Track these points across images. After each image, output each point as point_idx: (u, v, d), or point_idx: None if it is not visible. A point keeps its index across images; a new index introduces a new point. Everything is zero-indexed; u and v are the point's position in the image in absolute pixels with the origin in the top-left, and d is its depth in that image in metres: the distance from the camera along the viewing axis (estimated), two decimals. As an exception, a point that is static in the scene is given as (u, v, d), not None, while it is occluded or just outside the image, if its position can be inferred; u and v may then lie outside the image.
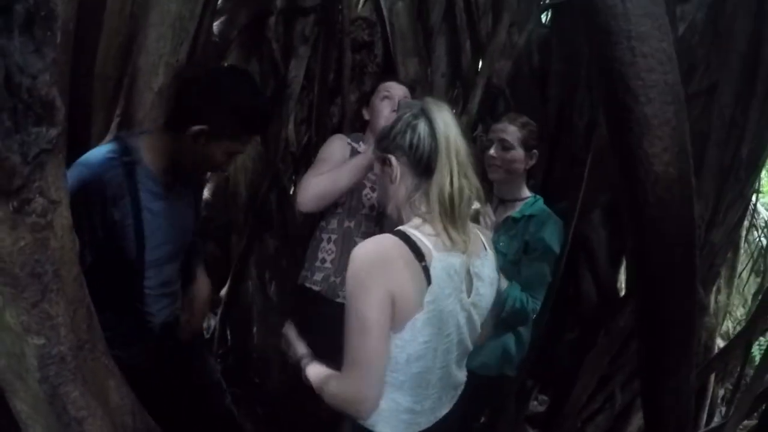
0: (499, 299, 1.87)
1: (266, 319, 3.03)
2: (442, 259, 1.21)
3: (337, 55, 2.80)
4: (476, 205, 1.86)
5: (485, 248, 1.37)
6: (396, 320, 1.18)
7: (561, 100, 2.76)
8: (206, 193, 3.42)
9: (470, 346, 1.37)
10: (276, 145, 2.82)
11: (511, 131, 1.99)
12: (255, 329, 3.08)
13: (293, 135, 2.89)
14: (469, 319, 1.31)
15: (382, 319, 1.15)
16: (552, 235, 1.97)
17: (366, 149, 1.99)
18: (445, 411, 1.35)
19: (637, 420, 2.17)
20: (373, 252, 1.18)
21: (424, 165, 1.23)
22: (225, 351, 3.20)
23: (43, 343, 1.05)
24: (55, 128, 0.96)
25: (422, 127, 1.24)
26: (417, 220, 1.25)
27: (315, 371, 1.34)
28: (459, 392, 1.41)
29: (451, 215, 1.22)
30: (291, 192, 3.00)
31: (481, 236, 1.38)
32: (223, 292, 3.16)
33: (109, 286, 1.53)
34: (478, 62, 2.89)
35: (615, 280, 2.59)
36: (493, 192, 2.12)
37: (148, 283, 1.61)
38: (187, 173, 1.61)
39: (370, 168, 1.89)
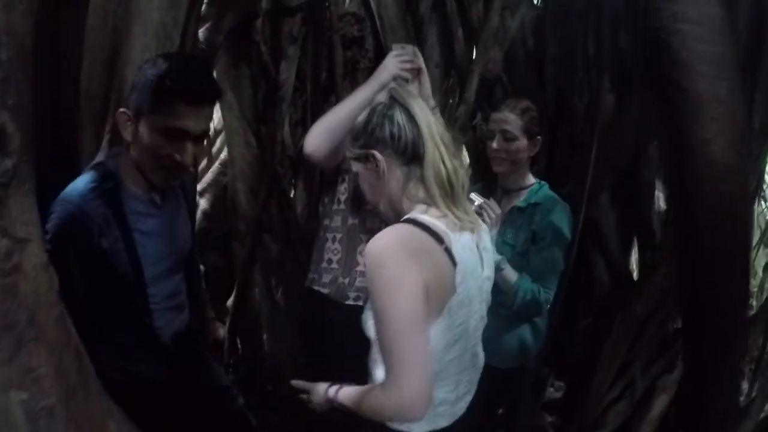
0: (510, 292, 1.85)
1: (275, 325, 2.99)
2: (458, 239, 1.20)
3: (328, 53, 2.73)
4: (477, 200, 1.83)
5: (480, 222, 1.39)
6: (432, 308, 1.14)
7: (559, 83, 2.70)
8: (205, 204, 3.39)
9: (486, 319, 1.37)
10: (272, 149, 2.77)
11: (512, 120, 1.93)
12: (264, 336, 3.05)
13: (289, 137, 2.84)
14: (486, 294, 1.33)
15: (420, 311, 1.11)
16: (561, 221, 1.92)
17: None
18: (471, 396, 1.35)
19: (659, 405, 2.13)
20: (396, 242, 1.14)
21: (410, 153, 1.22)
22: (236, 360, 3.17)
23: (27, 398, 0.95)
24: (9, 159, 0.86)
25: (398, 115, 1.23)
26: (420, 206, 1.22)
27: (347, 394, 1.28)
28: (480, 373, 1.41)
29: (452, 195, 1.22)
30: (291, 195, 2.95)
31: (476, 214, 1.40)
32: (230, 302, 3.12)
33: (115, 304, 1.53)
34: (472, 49, 2.83)
35: (627, 263, 2.54)
36: (497, 182, 2.06)
37: (153, 299, 1.58)
38: (159, 182, 1.51)
39: (369, 102, 1.81)
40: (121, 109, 1.44)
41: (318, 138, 1.83)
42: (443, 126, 1.27)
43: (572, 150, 2.58)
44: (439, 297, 1.14)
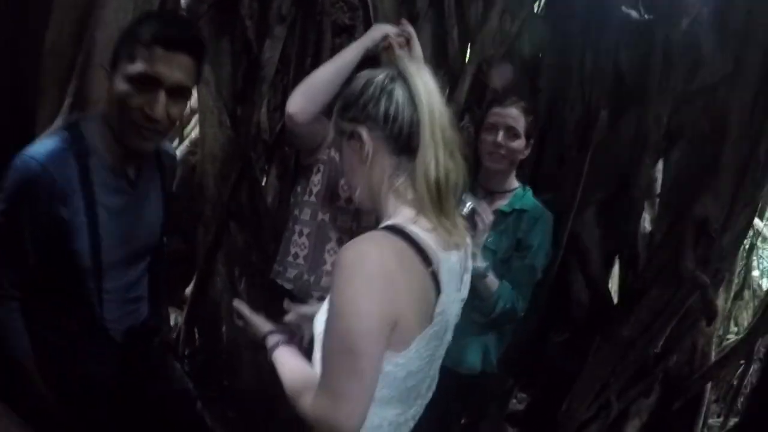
0: (491, 300, 1.78)
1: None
2: (446, 260, 1.02)
3: (316, 38, 2.60)
4: (470, 202, 1.73)
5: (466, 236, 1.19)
6: (398, 341, 0.98)
7: (552, 93, 2.64)
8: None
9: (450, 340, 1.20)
10: (247, 132, 2.61)
11: (518, 117, 1.85)
12: (224, 328, 2.89)
13: (266, 121, 2.69)
14: (458, 315, 1.16)
15: (376, 344, 0.94)
16: (547, 231, 1.88)
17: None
18: (421, 410, 1.18)
19: (632, 428, 2.10)
20: (374, 257, 0.94)
21: (403, 141, 1.02)
22: (192, 351, 3.01)
23: None
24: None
25: (399, 92, 1.02)
26: (408, 212, 1.03)
27: (282, 361, 1.15)
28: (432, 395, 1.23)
29: (439, 204, 1.02)
30: (263, 182, 2.81)
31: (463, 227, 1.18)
32: (189, 290, 2.95)
33: (63, 291, 1.38)
34: (465, 50, 2.74)
35: (606, 282, 2.50)
36: (478, 182, 1.97)
37: (107, 286, 1.42)
38: (131, 143, 1.34)
39: (357, 61, 1.68)
40: (101, 65, 1.30)
41: (302, 98, 1.68)
42: (450, 116, 1.06)
43: (560, 161, 2.53)
44: (410, 328, 0.98)
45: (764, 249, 4.86)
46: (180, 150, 3.31)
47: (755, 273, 4.59)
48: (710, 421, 2.80)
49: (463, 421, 2.50)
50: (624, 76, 2.28)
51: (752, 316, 2.77)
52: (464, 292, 1.17)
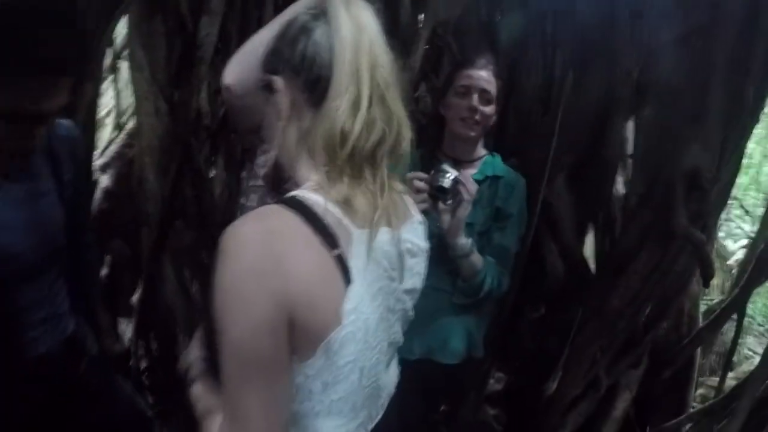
0: (476, 280, 1.64)
1: (192, 323, 2.61)
2: (363, 240, 0.82)
3: (258, 12, 2.39)
4: (452, 171, 1.57)
5: (410, 211, 0.99)
6: (303, 347, 0.78)
7: (512, 56, 2.48)
8: (107, 181, 2.95)
9: (401, 340, 1.00)
10: (186, 119, 2.38)
11: (491, 80, 1.72)
12: (180, 337, 2.66)
13: (207, 106, 2.45)
14: (403, 312, 0.95)
15: (271, 352, 0.75)
16: (524, 198, 1.79)
17: None
18: (377, 420, 0.98)
19: (622, 402, 1.99)
20: (255, 244, 0.75)
21: (323, 89, 0.82)
22: (149, 365, 2.76)
23: None
24: None
25: (320, 31, 0.83)
26: (317, 177, 0.83)
27: (196, 394, 0.94)
28: (392, 393, 1.03)
29: (358, 165, 0.82)
30: (209, 174, 2.58)
31: (403, 196, 0.98)
32: (136, 297, 2.70)
33: None
34: (417, 15, 2.57)
35: (581, 251, 2.37)
36: (442, 151, 1.82)
37: (15, 303, 1.19)
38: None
39: None
40: None
41: (239, 66, 1.46)
42: (390, 59, 0.85)
43: (523, 127, 2.39)
44: (310, 329, 0.78)
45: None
46: (116, 143, 3.05)
47: (720, 234, 4.61)
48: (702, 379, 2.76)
49: (442, 408, 2.41)
50: (589, 31, 2.14)
51: (737, 277, 2.69)
52: (411, 282, 0.95)
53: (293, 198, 0.80)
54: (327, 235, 0.78)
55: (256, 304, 0.73)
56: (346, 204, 0.81)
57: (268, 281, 0.73)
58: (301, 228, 0.77)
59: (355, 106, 0.80)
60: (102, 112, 3.38)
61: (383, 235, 0.85)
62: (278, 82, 0.86)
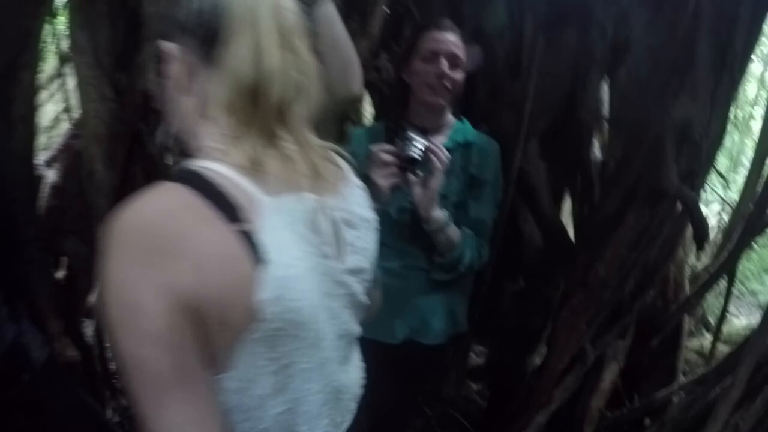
0: (454, 255, 1.54)
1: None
2: (278, 209, 0.68)
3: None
4: (421, 140, 1.46)
5: (345, 177, 0.86)
6: (220, 351, 0.65)
7: (477, 20, 2.35)
8: (54, 177, 2.76)
9: (357, 331, 0.86)
10: (132, 102, 2.20)
11: (459, 44, 1.60)
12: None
13: (155, 88, 2.28)
14: (350, 297, 0.80)
15: (180, 360, 0.61)
16: (499, 165, 1.70)
17: None
18: (347, 425, 0.85)
19: (610, 374, 1.91)
20: (138, 229, 0.62)
21: (218, 42, 0.70)
22: (116, 370, 2.60)
23: None
24: None
25: None
26: (214, 142, 0.70)
27: None
28: (358, 395, 0.88)
29: (262, 120, 0.70)
30: (163, 160, 2.41)
31: (335, 157, 0.85)
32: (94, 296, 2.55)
33: None
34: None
35: (559, 219, 2.28)
36: (406, 120, 1.69)
37: None
38: None
39: None
40: None
41: None
42: (296, 5, 0.72)
43: (492, 92, 2.27)
44: (226, 328, 0.64)
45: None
46: (62, 135, 2.86)
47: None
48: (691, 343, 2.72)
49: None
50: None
51: (723, 241, 2.63)
52: (354, 260, 0.80)
53: (183, 169, 0.67)
54: (227, 208, 0.64)
55: (147, 306, 0.60)
56: (254, 169, 0.67)
57: (157, 276, 0.60)
58: (194, 203, 0.63)
59: (256, 53, 0.68)
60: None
61: (305, 202, 0.72)
62: (171, 48, 0.73)
